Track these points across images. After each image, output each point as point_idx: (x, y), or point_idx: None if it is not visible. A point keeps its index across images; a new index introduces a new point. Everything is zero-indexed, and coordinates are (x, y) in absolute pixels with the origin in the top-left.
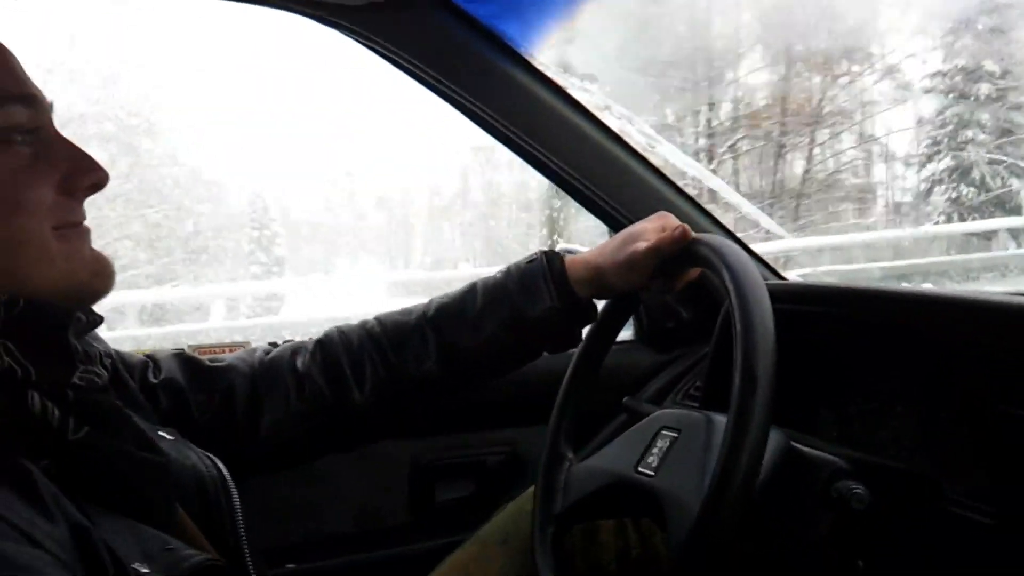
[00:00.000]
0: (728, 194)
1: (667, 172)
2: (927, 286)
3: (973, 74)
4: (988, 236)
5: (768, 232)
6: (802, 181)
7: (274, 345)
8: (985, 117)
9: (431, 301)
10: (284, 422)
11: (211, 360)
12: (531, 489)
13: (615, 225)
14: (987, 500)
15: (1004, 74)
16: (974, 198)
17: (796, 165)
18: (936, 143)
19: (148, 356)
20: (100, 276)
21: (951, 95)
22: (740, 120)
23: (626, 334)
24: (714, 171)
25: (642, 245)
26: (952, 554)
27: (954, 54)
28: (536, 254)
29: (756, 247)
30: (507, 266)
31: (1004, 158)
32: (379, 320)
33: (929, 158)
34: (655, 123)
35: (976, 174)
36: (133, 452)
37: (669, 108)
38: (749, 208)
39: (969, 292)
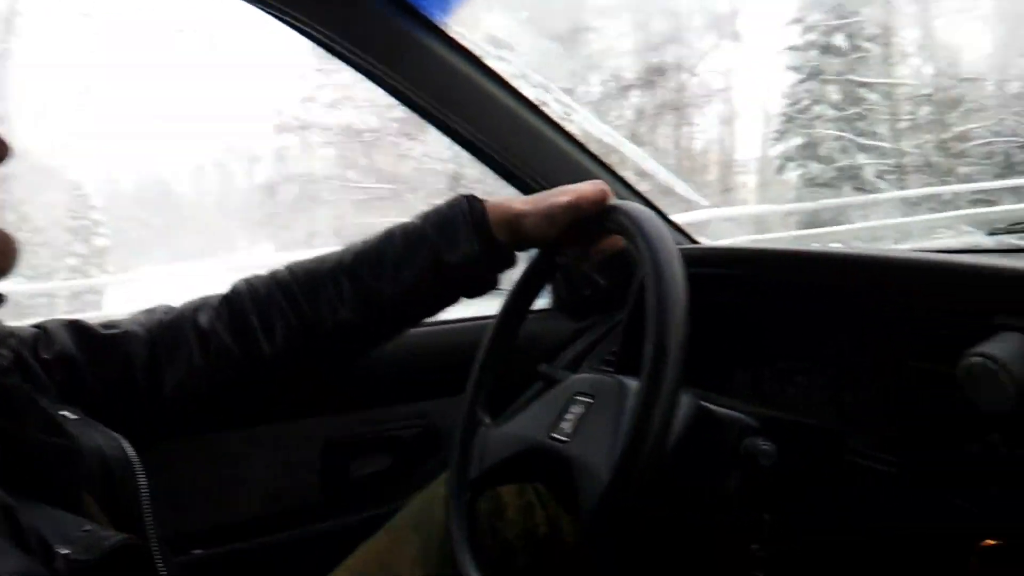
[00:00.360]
0: (645, 162)
1: (584, 140)
2: (836, 245)
3: (825, 50)
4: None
5: (687, 200)
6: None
7: None
8: (833, 92)
9: (347, 248)
10: (188, 382)
11: (104, 327)
12: (442, 476)
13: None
14: (890, 451)
15: (852, 49)
16: (823, 174)
17: (665, 141)
18: (789, 120)
19: (39, 327)
20: (3, 253)
21: (803, 71)
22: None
23: (544, 303)
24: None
25: (563, 199)
26: (857, 503)
27: (808, 29)
28: (457, 197)
29: (675, 216)
30: (425, 211)
31: (845, 133)
32: (290, 269)
33: (782, 135)
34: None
35: (824, 150)
36: (40, 438)
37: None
38: (667, 176)
39: (879, 250)
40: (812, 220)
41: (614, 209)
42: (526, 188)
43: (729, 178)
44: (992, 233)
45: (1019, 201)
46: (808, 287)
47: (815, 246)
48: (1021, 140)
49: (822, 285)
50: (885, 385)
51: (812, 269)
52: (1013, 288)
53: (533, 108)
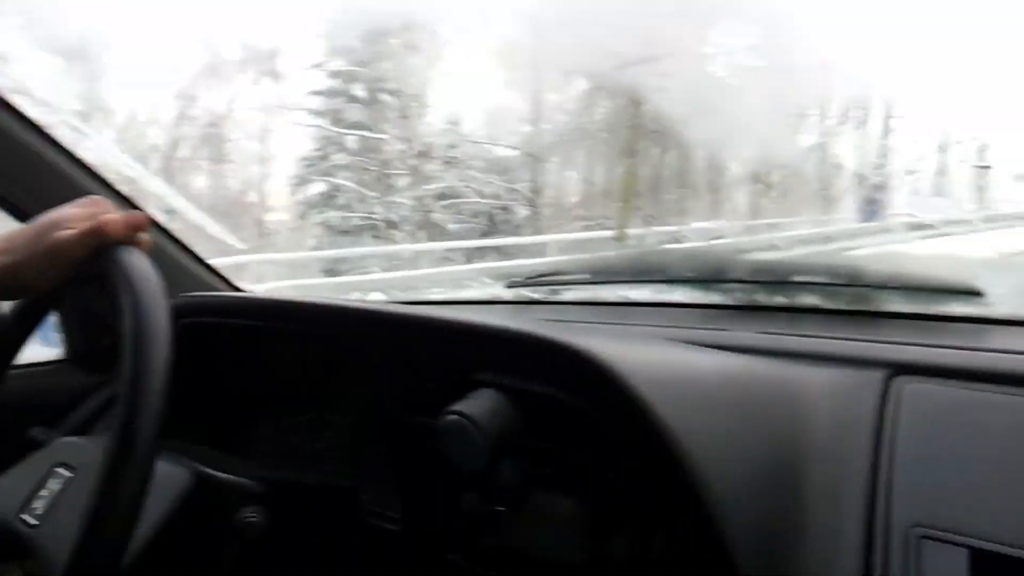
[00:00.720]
0: (174, 199)
1: (101, 171)
2: (376, 296)
3: (349, 98)
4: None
5: (220, 242)
6: None
7: None
8: (350, 142)
9: None
10: None
11: None
12: None
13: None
14: (395, 508)
15: (371, 100)
16: (343, 222)
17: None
18: (312, 166)
19: None
20: None
21: (326, 117)
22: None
23: (55, 354)
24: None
25: (72, 232)
26: (367, 564)
27: (333, 75)
28: None
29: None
30: None
31: (357, 185)
32: None
33: (306, 181)
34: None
35: (343, 199)
36: None
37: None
38: (198, 216)
39: (383, 304)
40: (338, 267)
41: (108, 247)
42: (24, 218)
43: (264, 221)
44: (510, 286)
45: (506, 258)
46: (327, 338)
47: (345, 297)
48: (502, 203)
49: (338, 337)
50: (392, 440)
51: (323, 320)
52: (488, 344)
53: (36, 129)
